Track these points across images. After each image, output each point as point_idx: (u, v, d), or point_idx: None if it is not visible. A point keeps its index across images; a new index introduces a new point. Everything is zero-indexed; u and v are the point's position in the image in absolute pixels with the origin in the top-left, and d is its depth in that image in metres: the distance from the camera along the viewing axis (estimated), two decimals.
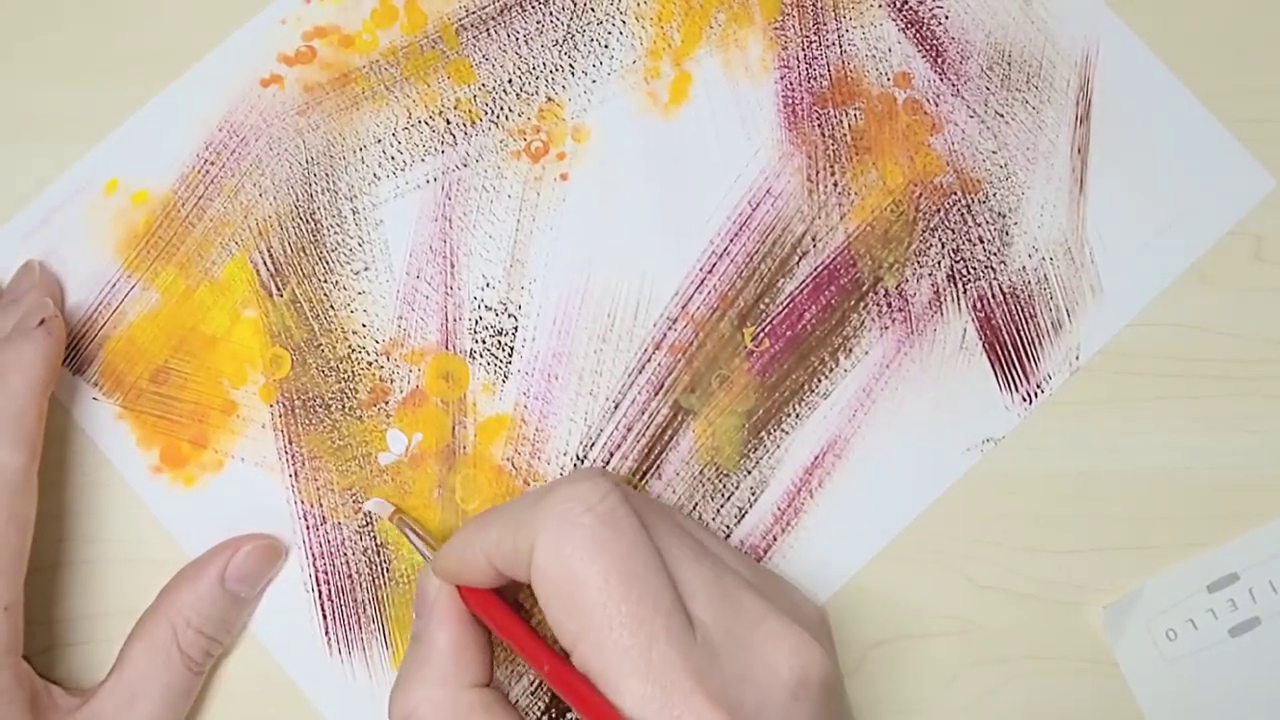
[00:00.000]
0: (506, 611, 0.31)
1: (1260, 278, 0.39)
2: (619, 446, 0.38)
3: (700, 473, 0.38)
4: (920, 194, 0.39)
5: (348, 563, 0.37)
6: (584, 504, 0.29)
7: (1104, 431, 0.38)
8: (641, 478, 0.37)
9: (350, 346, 0.38)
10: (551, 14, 0.40)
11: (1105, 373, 0.39)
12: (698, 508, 0.37)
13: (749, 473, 0.38)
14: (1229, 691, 0.37)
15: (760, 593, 0.30)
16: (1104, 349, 0.39)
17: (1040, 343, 0.39)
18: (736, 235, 0.39)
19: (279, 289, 0.38)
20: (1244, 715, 0.37)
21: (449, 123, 0.39)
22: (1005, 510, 0.38)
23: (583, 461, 0.37)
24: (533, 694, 0.36)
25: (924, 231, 0.39)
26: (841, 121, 0.40)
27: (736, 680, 0.28)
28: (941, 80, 0.40)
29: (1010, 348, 0.39)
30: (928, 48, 0.40)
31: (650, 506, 0.31)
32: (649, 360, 0.38)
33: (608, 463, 0.37)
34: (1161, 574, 0.37)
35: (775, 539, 0.37)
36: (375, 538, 0.37)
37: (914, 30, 0.40)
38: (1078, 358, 0.39)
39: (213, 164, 0.38)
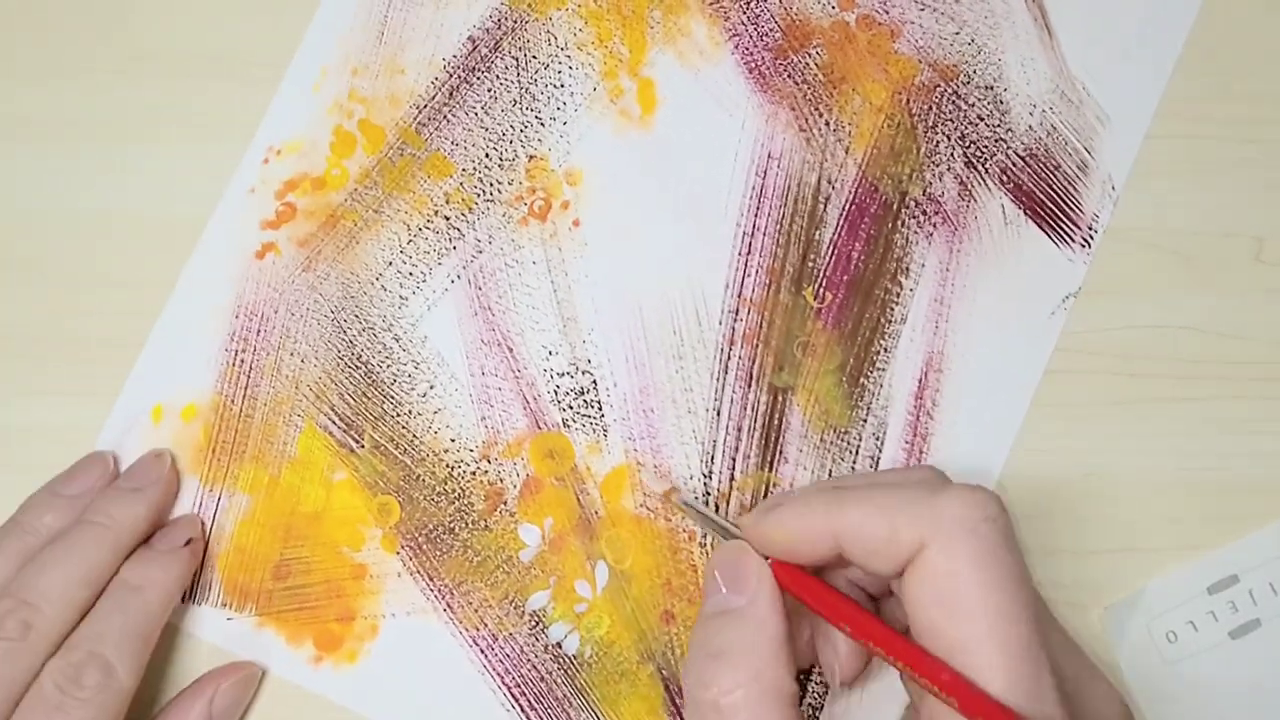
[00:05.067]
0: (841, 594, 0.30)
1: (1261, 279, 0.39)
2: (737, 449, 0.37)
3: (821, 440, 0.38)
4: (908, 99, 0.39)
5: (535, 667, 0.36)
6: (985, 513, 0.28)
7: (1104, 433, 0.38)
8: (770, 469, 0.37)
9: (448, 465, 0.37)
10: (498, 77, 0.40)
11: (1106, 374, 0.38)
12: (832, 474, 0.37)
13: (864, 421, 0.38)
14: (1229, 693, 0.36)
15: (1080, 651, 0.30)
16: (1105, 350, 0.38)
17: (1075, 187, 0.39)
18: (759, 208, 0.39)
19: (358, 442, 0.37)
20: (1244, 717, 0.37)
21: (448, 219, 0.39)
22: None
23: (710, 479, 0.37)
24: None
25: (926, 132, 0.39)
26: (807, 64, 0.40)
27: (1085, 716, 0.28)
28: None
29: (1050, 204, 0.39)
30: None
31: None
32: (729, 358, 0.38)
33: (732, 469, 0.37)
34: (1162, 576, 0.37)
35: None
36: (549, 633, 0.36)
37: None
38: (1114, 188, 0.39)
39: (244, 352, 0.38)
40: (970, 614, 0.27)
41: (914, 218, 0.39)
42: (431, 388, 0.38)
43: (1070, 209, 0.39)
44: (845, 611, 0.30)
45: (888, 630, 0.29)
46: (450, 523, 0.37)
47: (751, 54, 0.40)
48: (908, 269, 0.39)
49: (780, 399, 0.38)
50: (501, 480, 0.37)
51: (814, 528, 0.30)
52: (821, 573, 0.32)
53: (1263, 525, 0.37)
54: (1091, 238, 0.39)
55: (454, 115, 0.39)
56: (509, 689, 0.36)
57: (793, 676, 0.30)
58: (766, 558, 0.31)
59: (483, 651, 0.36)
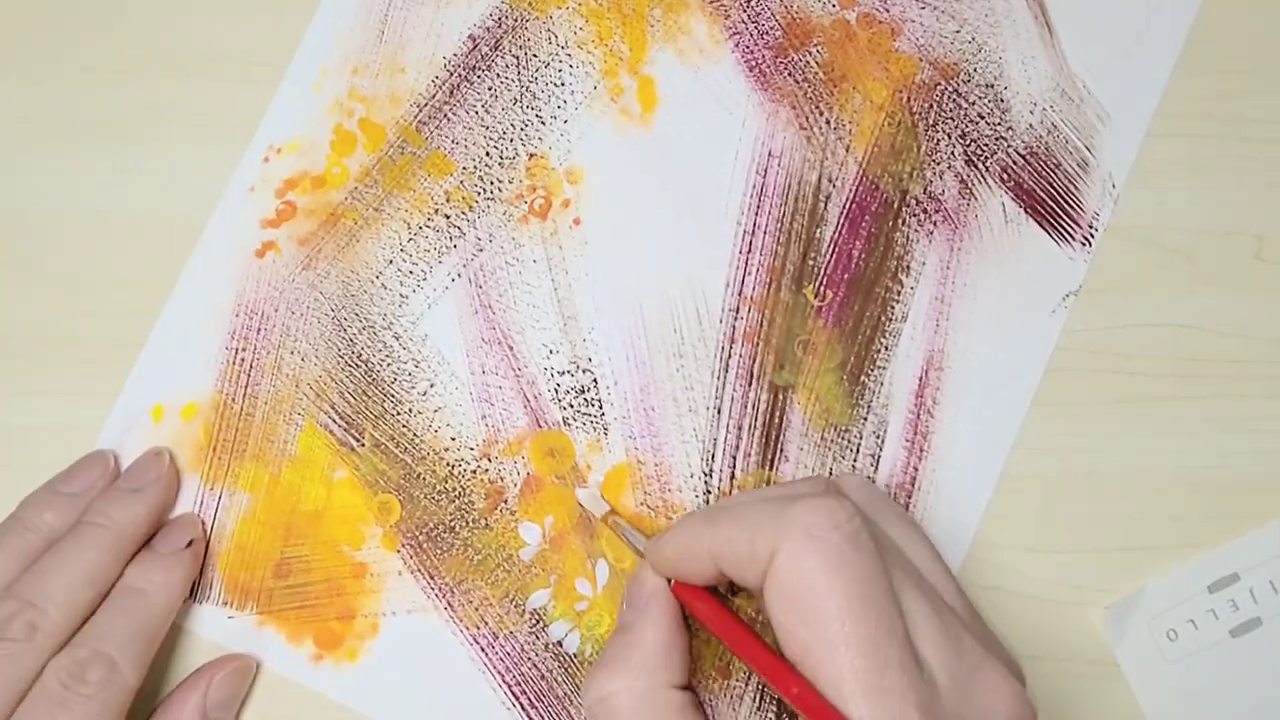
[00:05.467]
0: (724, 610, 0.31)
1: (1260, 278, 0.39)
2: (738, 447, 0.37)
3: (822, 438, 0.38)
4: (908, 98, 0.39)
5: (535, 666, 0.36)
6: (831, 520, 0.29)
7: (1104, 431, 0.38)
8: (771, 467, 0.37)
9: (449, 464, 0.37)
10: (499, 75, 0.40)
11: (1105, 373, 0.38)
12: (832, 471, 0.37)
13: (865, 419, 0.38)
14: (1230, 692, 0.36)
15: (977, 636, 0.30)
16: (1105, 349, 0.38)
17: (1075, 186, 0.39)
18: (759, 207, 0.39)
19: (358, 440, 0.37)
20: (1245, 716, 0.37)
21: (448, 218, 0.39)
22: (1005, 510, 0.38)
23: (711, 477, 0.37)
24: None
25: (927, 130, 0.39)
26: (808, 62, 0.40)
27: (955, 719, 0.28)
28: None
29: (1051, 202, 0.39)
30: None
31: (884, 531, 0.31)
32: (730, 356, 0.38)
33: (733, 467, 0.37)
34: (1162, 574, 0.37)
35: (916, 469, 0.38)
36: (550, 631, 0.36)
37: None
38: (1114, 186, 0.39)
39: (244, 350, 0.38)
40: (817, 616, 0.28)
41: (914, 216, 0.39)
42: (432, 386, 0.38)
43: (1071, 207, 0.39)
44: (729, 628, 0.31)
45: (757, 642, 0.30)
46: (451, 521, 0.37)
47: (752, 52, 0.40)
48: (908, 267, 0.39)
49: (781, 397, 0.38)
50: (502, 479, 0.37)
51: (694, 549, 0.31)
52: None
53: (1263, 523, 0.37)
54: (1092, 236, 0.39)
55: (454, 114, 0.39)
56: (509, 687, 0.36)
57: (677, 685, 0.31)
58: (671, 579, 0.33)
59: (483, 650, 0.36)
